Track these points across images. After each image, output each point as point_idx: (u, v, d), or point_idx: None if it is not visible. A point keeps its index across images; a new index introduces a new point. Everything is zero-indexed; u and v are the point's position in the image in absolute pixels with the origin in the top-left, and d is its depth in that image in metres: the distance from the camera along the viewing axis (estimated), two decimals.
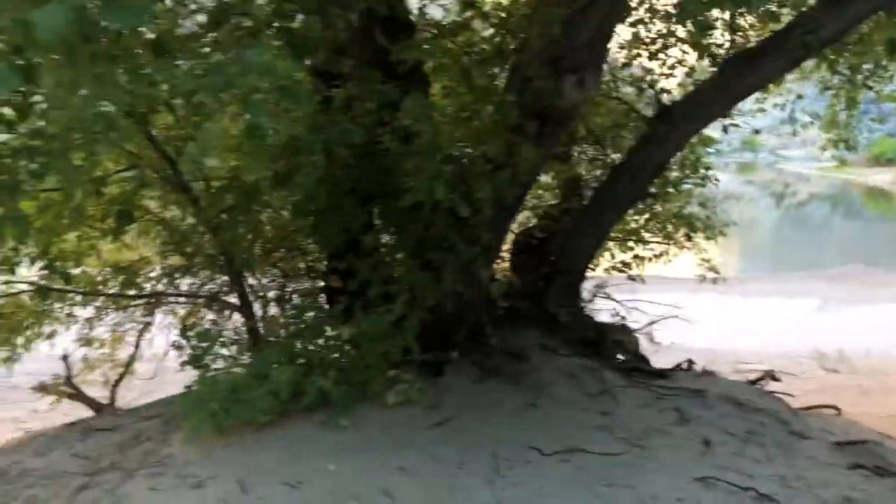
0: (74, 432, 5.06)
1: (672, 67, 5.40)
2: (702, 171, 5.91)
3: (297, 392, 4.00)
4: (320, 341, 4.20)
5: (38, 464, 4.27)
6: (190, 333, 4.48)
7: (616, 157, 5.45)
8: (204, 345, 4.25)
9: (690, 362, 5.76)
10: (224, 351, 4.32)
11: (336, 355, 4.12)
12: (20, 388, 7.66)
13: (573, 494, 3.61)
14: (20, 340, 5.65)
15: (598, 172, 5.51)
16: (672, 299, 6.31)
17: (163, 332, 6.01)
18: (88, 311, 5.98)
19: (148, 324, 6.20)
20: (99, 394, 6.47)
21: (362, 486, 3.53)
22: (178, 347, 5.47)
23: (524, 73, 4.10)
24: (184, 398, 4.05)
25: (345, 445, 3.88)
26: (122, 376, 6.41)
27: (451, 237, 3.95)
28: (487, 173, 3.83)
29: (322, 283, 4.83)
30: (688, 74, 5.52)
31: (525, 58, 4.13)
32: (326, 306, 4.59)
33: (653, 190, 5.34)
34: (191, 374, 6.36)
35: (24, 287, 5.28)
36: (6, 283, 5.04)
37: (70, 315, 5.77)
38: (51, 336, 5.83)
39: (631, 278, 6.37)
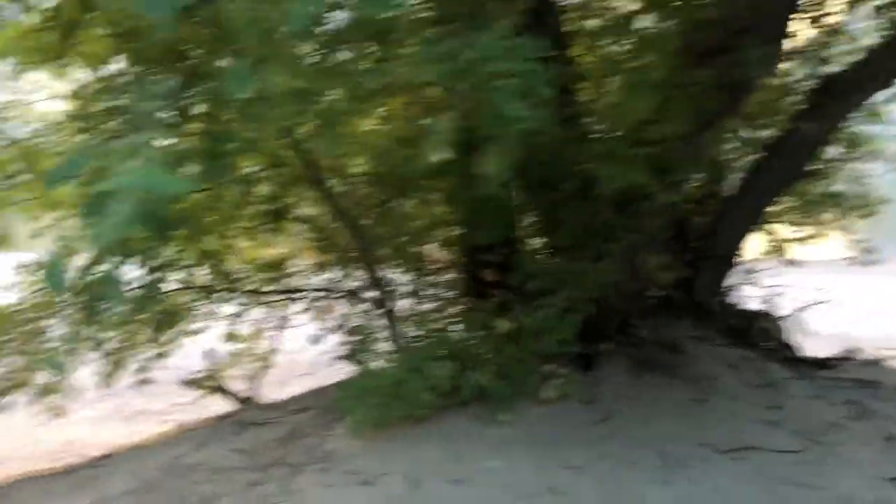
0: (227, 426, 5.18)
1: (833, 34, 4.99)
2: (863, 146, 5.50)
3: (454, 387, 3.95)
4: (475, 336, 4.13)
5: (200, 458, 4.38)
6: (345, 328, 4.50)
7: (769, 134, 5.13)
8: (360, 339, 4.25)
9: (854, 350, 5.40)
10: (378, 346, 4.32)
11: (492, 350, 4.04)
12: (161, 383, 7.98)
13: (752, 494, 3.41)
14: (170, 337, 5.85)
15: (750, 152, 5.21)
16: (815, 282, 5.95)
17: (299, 327, 6.13)
18: (231, 308, 6.16)
19: (286, 318, 6.34)
20: (238, 388, 6.66)
21: (530, 484, 3.44)
22: (316, 341, 5.55)
23: (710, 43, 3.86)
24: (343, 392, 4.06)
25: (505, 441, 3.81)
26: (262, 370, 6.57)
27: (616, 225, 3.80)
28: (683, 154, 3.62)
29: (468, 276, 4.76)
30: (850, 42, 5.12)
31: (712, 29, 3.89)
32: (477, 300, 4.52)
33: (810, 168, 5.00)
34: (323, 369, 6.49)
35: (176, 286, 5.45)
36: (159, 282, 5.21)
37: (214, 311, 5.94)
38: (197, 332, 6.03)
39: (777, 261, 6.04)
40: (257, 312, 6.33)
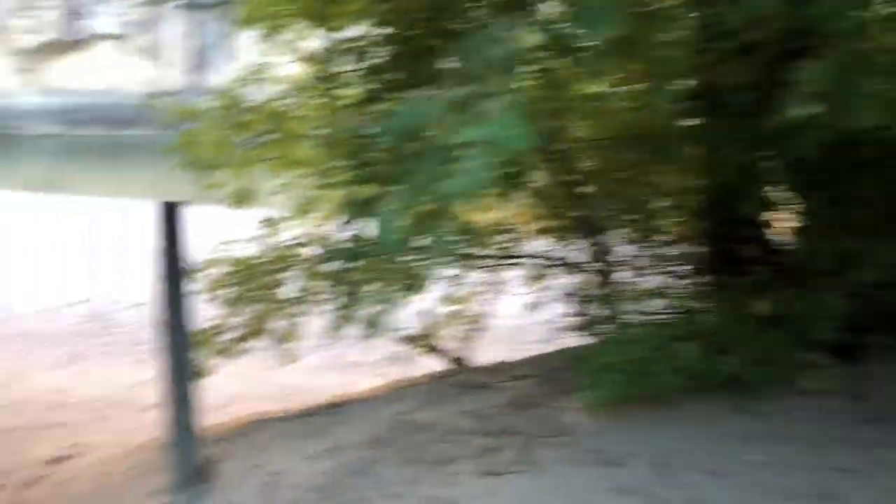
0: (447, 386, 5.21)
1: None
2: None
3: (703, 370, 3.67)
4: (727, 316, 3.81)
5: (428, 417, 4.39)
6: (573, 298, 4.34)
7: None
8: (594, 311, 4.07)
9: None
10: (615, 319, 4.11)
11: (747, 333, 3.71)
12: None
13: None
14: (394, 295, 5.98)
15: None
16: None
17: (515, 294, 6.07)
18: (448, 270, 6.21)
19: (502, 284, 6.30)
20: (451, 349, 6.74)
21: (798, 485, 3.13)
22: (534, 309, 5.43)
23: None
24: (579, 365, 3.91)
25: (761, 434, 3.49)
26: (474, 333, 6.60)
27: None
28: None
29: (716, 250, 4.41)
30: None
31: None
32: (729, 277, 4.17)
33: None
34: (537, 337, 6.37)
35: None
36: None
37: (436, 274, 5.99)
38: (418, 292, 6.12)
39: None
40: (474, 276, 6.36)
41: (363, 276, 4.07)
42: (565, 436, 3.64)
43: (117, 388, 7.58)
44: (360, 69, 4.14)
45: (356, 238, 3.97)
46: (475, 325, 6.61)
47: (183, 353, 3.82)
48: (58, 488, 4.62)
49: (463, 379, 5.32)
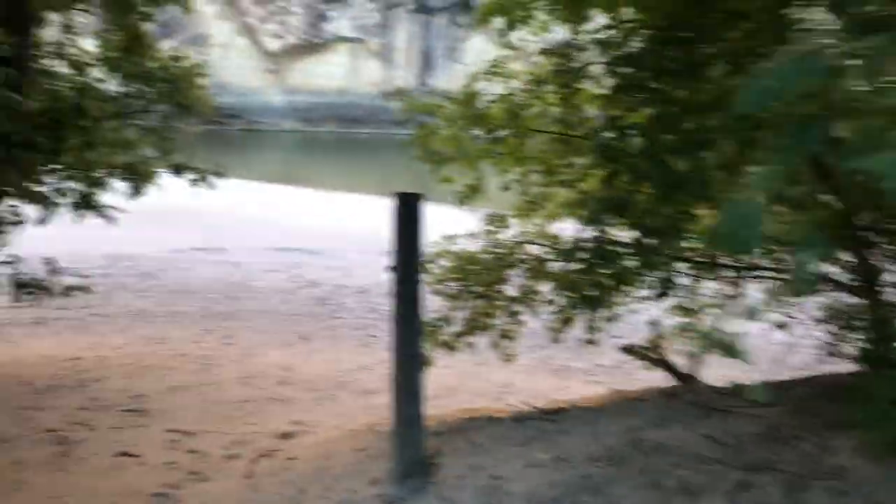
0: (682, 405, 4.82)
1: None
2: None
3: None
4: None
5: (664, 437, 4.05)
6: (837, 320, 3.81)
7: None
8: (871, 337, 3.53)
9: None
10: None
11: None
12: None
13: None
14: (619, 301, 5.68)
15: None
16: None
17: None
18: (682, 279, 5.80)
19: (735, 297, 5.78)
20: (678, 364, 6.30)
21: None
22: (781, 327, 4.94)
23: None
24: (858, 397, 3.39)
25: None
26: (707, 350, 6.12)
27: None
28: None
29: None
30: None
31: None
32: None
33: None
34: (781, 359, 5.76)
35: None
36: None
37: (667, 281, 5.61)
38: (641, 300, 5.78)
39: None
40: (710, 287, 5.89)
41: (593, 278, 3.83)
42: (837, 479, 3.16)
43: (341, 370, 7.94)
44: (613, 58, 3.89)
45: (597, 238, 3.73)
46: (708, 340, 6.14)
47: (414, 344, 3.80)
48: (285, 464, 4.83)
49: (697, 399, 4.90)
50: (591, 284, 3.94)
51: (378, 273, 12.31)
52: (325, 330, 9.96)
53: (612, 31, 3.98)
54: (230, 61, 43.56)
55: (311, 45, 45.01)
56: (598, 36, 4.22)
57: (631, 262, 3.63)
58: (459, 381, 7.44)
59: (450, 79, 41.23)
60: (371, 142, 41.13)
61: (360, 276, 12.90)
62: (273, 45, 45.09)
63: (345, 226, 17.20)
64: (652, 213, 3.59)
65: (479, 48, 44.69)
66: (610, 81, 3.99)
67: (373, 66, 45.09)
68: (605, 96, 3.99)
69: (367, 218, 19.21)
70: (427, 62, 44.70)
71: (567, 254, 4.45)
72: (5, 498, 4.28)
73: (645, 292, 5.75)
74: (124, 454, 5.03)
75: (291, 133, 43.50)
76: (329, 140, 41.91)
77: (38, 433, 5.36)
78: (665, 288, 3.70)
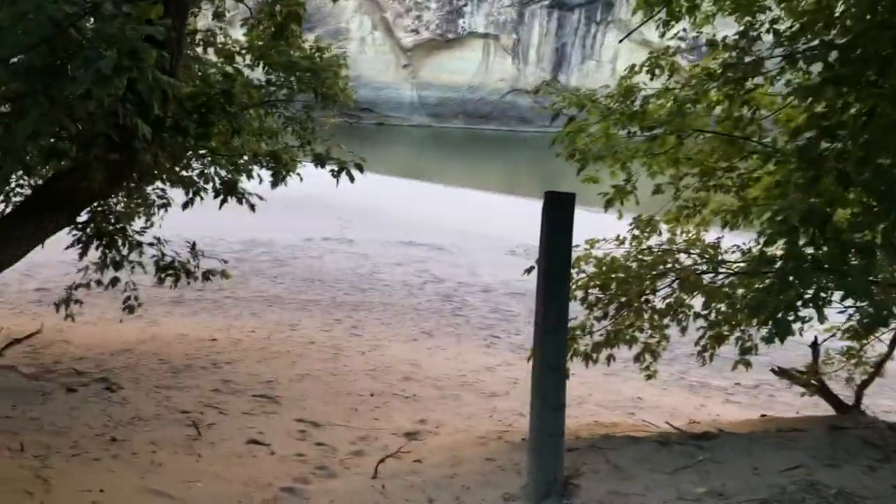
0: (849, 439, 4.31)
1: None
2: None
3: None
4: None
5: (842, 482, 3.54)
6: None
7: None
8: None
9: None
10: None
11: None
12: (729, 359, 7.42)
13: None
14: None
15: None
16: None
17: None
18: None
19: None
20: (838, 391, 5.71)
21: None
22: None
23: None
24: None
25: None
26: (871, 377, 5.51)
27: None
28: None
29: None
30: None
31: None
32: None
33: None
34: None
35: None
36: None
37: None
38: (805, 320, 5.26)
39: None
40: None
41: (784, 299, 3.37)
42: None
43: (464, 369, 7.75)
44: (818, 47, 3.43)
45: (791, 254, 3.28)
46: (870, 367, 5.52)
47: (560, 355, 3.53)
48: (412, 466, 4.67)
49: (867, 435, 4.37)
50: (778, 306, 3.47)
51: (503, 272, 12.17)
52: (448, 327, 9.81)
53: (804, 19, 3.53)
54: (366, 55, 44.54)
55: (445, 41, 45.35)
56: (778, 26, 3.78)
57: (830, 285, 3.18)
58: (587, 391, 7.09)
59: (583, 76, 40.43)
60: (498, 138, 40.99)
61: (485, 274, 12.70)
62: (408, 39, 45.76)
63: (472, 223, 17.06)
64: (861, 228, 3.12)
65: (613, 46, 43.63)
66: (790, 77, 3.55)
67: (505, 63, 44.92)
68: (807, 89, 3.47)
69: (495, 216, 19.06)
70: (560, 59, 44.09)
71: (748, 271, 4.01)
72: (140, 476, 4.33)
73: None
74: (254, 442, 5.02)
75: (420, 128, 44.01)
76: (457, 136, 42.11)
77: (173, 413, 5.46)
78: (877, 320, 3.21)
